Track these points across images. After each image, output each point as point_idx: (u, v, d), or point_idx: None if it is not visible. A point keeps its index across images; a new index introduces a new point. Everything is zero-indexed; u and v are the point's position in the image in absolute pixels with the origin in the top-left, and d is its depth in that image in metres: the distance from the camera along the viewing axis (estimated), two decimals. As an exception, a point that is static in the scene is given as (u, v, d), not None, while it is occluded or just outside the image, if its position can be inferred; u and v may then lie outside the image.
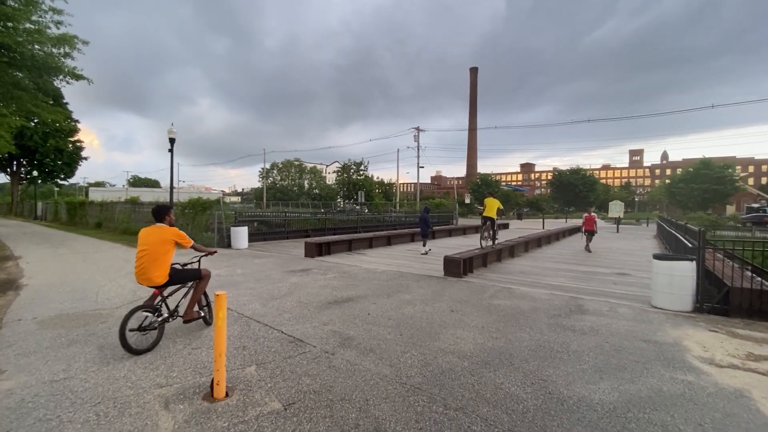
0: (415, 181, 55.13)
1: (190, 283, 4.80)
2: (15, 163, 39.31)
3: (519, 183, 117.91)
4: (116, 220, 20.86)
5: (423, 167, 49.00)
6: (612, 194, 73.47)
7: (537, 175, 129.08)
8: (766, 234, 22.14)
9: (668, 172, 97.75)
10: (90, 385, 3.38)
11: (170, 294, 4.62)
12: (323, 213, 24.80)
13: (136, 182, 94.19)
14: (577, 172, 68.61)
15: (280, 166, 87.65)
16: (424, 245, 13.28)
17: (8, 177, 41.73)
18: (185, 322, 4.66)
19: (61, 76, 17.50)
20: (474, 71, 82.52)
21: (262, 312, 5.77)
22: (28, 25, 15.24)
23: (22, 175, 41.26)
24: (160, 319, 4.28)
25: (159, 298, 4.41)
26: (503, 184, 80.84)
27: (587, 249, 14.01)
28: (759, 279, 6.38)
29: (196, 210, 15.51)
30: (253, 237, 15.44)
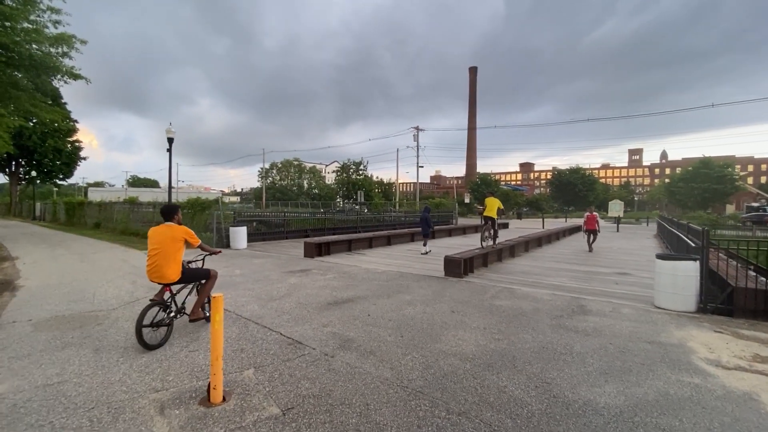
0: (415, 180, 55.06)
1: (196, 282, 4.98)
2: (14, 163, 39.16)
3: (518, 182, 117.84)
4: (115, 220, 20.77)
5: (422, 167, 48.97)
6: (611, 193, 73.41)
7: (536, 174, 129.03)
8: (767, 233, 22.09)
9: (667, 171, 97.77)
10: (84, 390, 3.30)
11: (178, 291, 4.79)
12: (322, 213, 24.71)
13: (136, 182, 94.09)
14: (576, 172, 68.57)
15: (280, 166, 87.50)
16: (424, 245, 13.21)
17: (7, 177, 41.59)
18: (191, 320, 4.86)
19: (59, 76, 17.41)
20: (473, 71, 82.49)
21: (260, 313, 5.69)
22: (26, 25, 15.15)
23: (21, 176, 41.13)
24: (171, 315, 4.49)
25: (168, 294, 4.60)
26: (503, 183, 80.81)
27: (590, 249, 13.81)
28: (763, 279, 6.31)
29: (194, 210, 15.44)
30: (252, 237, 15.36)
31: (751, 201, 53.62)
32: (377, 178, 62.76)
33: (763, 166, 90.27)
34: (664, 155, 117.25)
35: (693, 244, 7.49)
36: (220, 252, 5.27)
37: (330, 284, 7.79)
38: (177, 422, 2.82)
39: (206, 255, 5.12)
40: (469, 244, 14.69)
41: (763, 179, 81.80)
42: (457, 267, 8.62)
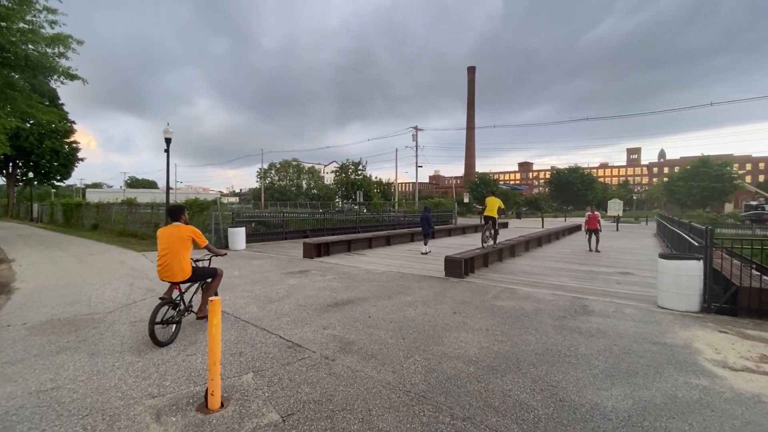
0: (414, 180, 54.99)
1: (201, 281, 5.13)
2: (11, 164, 39.01)
3: (517, 182, 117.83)
4: (112, 221, 20.64)
5: (421, 166, 48.89)
6: (610, 192, 73.55)
7: (535, 174, 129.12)
8: (767, 231, 22.09)
9: (666, 170, 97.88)
10: (78, 396, 3.22)
11: (186, 290, 4.94)
12: (321, 213, 24.60)
13: (134, 183, 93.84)
14: (575, 171, 68.62)
15: (278, 166, 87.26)
16: (425, 244, 13.15)
17: (4, 179, 41.41)
18: (198, 318, 5.03)
19: (55, 77, 17.29)
20: (472, 70, 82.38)
21: (259, 315, 5.61)
22: (21, 25, 15.03)
23: (18, 177, 40.95)
24: (180, 312, 4.65)
25: (177, 293, 4.73)
26: (501, 183, 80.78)
27: (596, 249, 13.49)
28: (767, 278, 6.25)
29: (193, 211, 15.32)
30: (250, 238, 15.28)
31: (750, 200, 53.74)
32: (376, 178, 62.57)
33: (761, 165, 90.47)
34: (662, 154, 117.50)
35: (696, 244, 7.42)
36: (225, 254, 5.43)
37: (330, 285, 7.71)
38: (173, 430, 2.73)
39: (212, 256, 5.29)
40: (468, 243, 14.63)
41: (761, 178, 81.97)
42: (458, 267, 8.54)
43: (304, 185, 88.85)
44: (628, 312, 5.90)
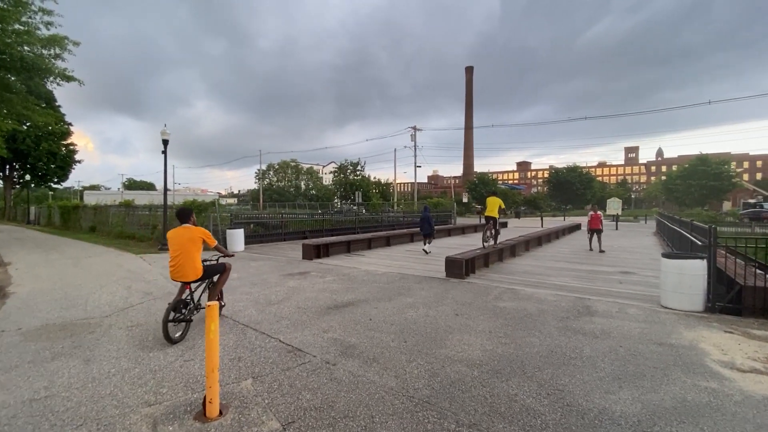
0: (413, 180, 54.94)
1: (209, 280, 5.30)
2: (7, 167, 38.77)
3: (515, 181, 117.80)
4: (110, 223, 20.50)
5: (420, 167, 48.78)
6: (609, 191, 73.54)
7: (533, 173, 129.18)
8: (766, 229, 22.09)
9: (664, 168, 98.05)
10: (72, 405, 3.13)
11: (196, 288, 5.08)
12: (320, 214, 24.49)
13: (132, 185, 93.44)
14: (573, 170, 68.54)
15: (277, 167, 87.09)
16: (425, 244, 13.08)
17: (1, 181, 41.17)
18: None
19: (51, 78, 17.16)
20: (470, 70, 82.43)
21: (258, 319, 5.53)
22: (17, 26, 14.90)
23: (15, 180, 40.72)
24: (190, 311, 4.82)
25: (188, 292, 4.87)
26: (500, 182, 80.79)
27: (599, 249, 13.32)
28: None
29: (191, 212, 15.19)
30: (249, 239, 15.18)
31: (748, 197, 53.84)
32: (375, 178, 62.47)
33: (759, 163, 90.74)
34: (660, 153, 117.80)
35: (699, 243, 7.37)
36: (233, 255, 5.66)
37: (329, 287, 7.63)
38: (170, 440, 2.65)
39: (221, 257, 5.49)
40: (468, 243, 14.57)
41: (758, 176, 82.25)
42: (459, 268, 8.47)
43: (303, 186, 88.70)
44: (631, 312, 5.83)
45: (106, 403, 3.15)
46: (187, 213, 4.93)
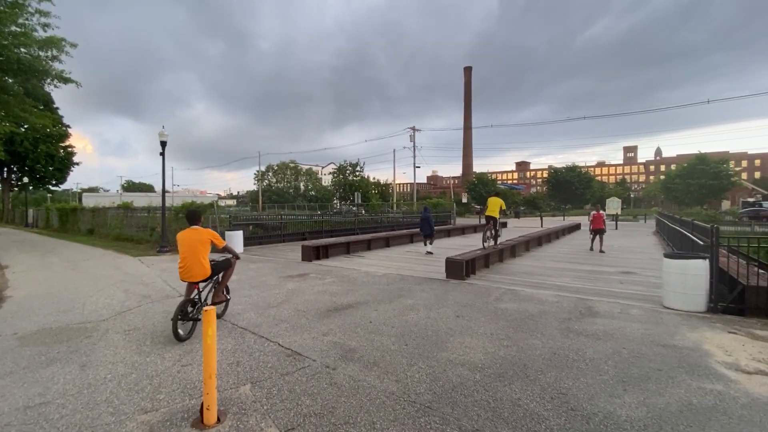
0: (412, 181, 54.90)
1: (215, 278, 5.38)
2: (5, 169, 38.66)
3: (514, 181, 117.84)
4: (108, 225, 20.40)
5: (419, 167, 48.80)
6: (608, 191, 73.54)
7: (532, 173, 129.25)
8: (766, 228, 22.08)
9: (662, 167, 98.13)
10: (68, 412, 3.07)
11: (204, 288, 5.20)
12: (320, 215, 24.42)
13: (130, 187, 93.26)
14: (572, 170, 68.58)
15: (276, 168, 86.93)
16: (425, 245, 13.03)
17: (-1, 184, 41.04)
18: (214, 303, 5.22)
19: (48, 80, 17.11)
20: (468, 70, 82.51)
21: (257, 322, 5.47)
22: (14, 28, 14.84)
23: (13, 182, 40.58)
24: (198, 309, 4.89)
25: (196, 291, 4.97)
26: (499, 182, 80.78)
27: (600, 249, 13.22)
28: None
29: (189, 214, 15.13)
30: (248, 241, 15.12)
31: (746, 196, 53.89)
32: (374, 179, 62.33)
33: (757, 162, 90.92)
34: (658, 152, 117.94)
35: (701, 242, 7.32)
36: (239, 258, 5.76)
37: (329, 289, 7.57)
38: (167, 448, 2.59)
39: (228, 257, 5.55)
40: (468, 244, 14.52)
41: (757, 174, 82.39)
42: (459, 269, 8.42)
43: (302, 187, 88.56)
44: (633, 313, 5.79)
45: (101, 410, 3.10)
46: (196, 215, 4.99)
